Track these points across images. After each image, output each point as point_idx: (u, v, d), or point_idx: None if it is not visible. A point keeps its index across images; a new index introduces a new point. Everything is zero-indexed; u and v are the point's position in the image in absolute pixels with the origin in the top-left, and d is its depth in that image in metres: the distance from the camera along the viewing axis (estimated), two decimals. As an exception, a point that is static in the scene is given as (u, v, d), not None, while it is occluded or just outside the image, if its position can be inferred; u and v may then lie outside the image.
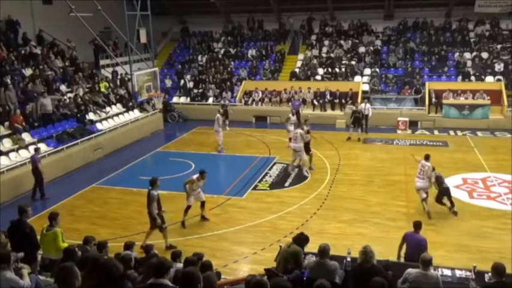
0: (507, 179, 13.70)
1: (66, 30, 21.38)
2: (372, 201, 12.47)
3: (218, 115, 17.50)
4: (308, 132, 14.74)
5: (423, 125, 21.03)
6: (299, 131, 14.49)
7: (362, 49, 25.72)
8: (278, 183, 14.10)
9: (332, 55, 25.59)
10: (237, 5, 28.33)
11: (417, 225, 7.83)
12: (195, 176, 11.16)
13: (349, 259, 6.65)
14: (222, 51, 27.91)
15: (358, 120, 19.11)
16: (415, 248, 7.36)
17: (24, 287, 4.93)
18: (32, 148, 14.92)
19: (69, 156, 16.03)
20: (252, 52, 27.28)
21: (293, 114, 17.74)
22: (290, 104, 22.45)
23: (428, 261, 5.82)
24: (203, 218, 11.62)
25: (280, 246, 7.26)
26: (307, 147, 14.71)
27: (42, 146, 15.16)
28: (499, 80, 22.26)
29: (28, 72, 18.34)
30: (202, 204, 11.52)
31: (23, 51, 19.23)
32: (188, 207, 11.18)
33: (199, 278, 3.93)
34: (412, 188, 13.17)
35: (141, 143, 19.78)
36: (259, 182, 14.26)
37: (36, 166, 13.19)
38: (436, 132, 20.28)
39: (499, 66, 22.79)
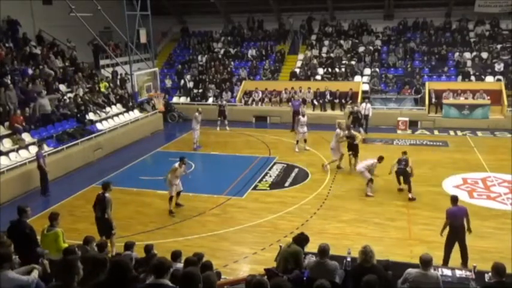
0: (507, 179, 13.70)
1: (66, 30, 21.39)
2: (372, 201, 12.47)
3: (196, 113, 18.26)
4: (348, 137, 14.80)
5: (423, 125, 21.02)
6: (340, 131, 14.98)
7: (362, 49, 25.72)
8: (278, 183, 14.10)
9: (332, 55, 25.59)
10: (237, 5, 28.35)
11: (456, 199, 8.68)
12: (176, 164, 11.86)
13: (349, 259, 6.65)
14: (222, 51, 27.90)
15: (358, 120, 19.17)
16: (461, 218, 8.48)
17: (29, 281, 4.92)
18: (32, 147, 15.03)
19: (69, 156, 16.02)
20: (252, 52, 27.27)
21: (303, 115, 17.52)
22: (290, 104, 22.48)
23: (429, 261, 5.81)
24: (177, 205, 12.29)
25: (280, 246, 7.26)
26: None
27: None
28: (499, 80, 22.26)
29: (28, 71, 18.33)
30: (178, 193, 12.25)
31: (22, 52, 19.23)
32: (171, 197, 12.00)
33: (200, 278, 3.93)
34: (412, 188, 13.20)
35: (141, 143, 19.77)
36: (259, 182, 14.26)
37: (38, 162, 13.46)
38: (436, 132, 20.28)
39: (499, 66, 22.79)
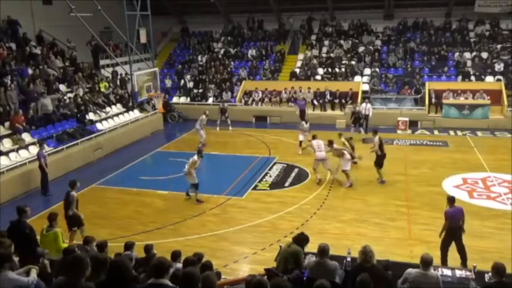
0: (507, 179, 13.69)
1: (66, 30, 21.39)
2: (372, 201, 12.46)
3: (203, 116, 18.21)
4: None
5: (423, 125, 21.03)
6: (321, 141, 13.91)
7: (362, 49, 25.71)
8: (278, 183, 14.10)
9: (332, 55, 25.59)
10: (237, 5, 28.35)
11: (453, 200, 8.67)
12: (195, 157, 12.60)
13: (349, 259, 6.64)
14: (222, 51, 27.90)
15: (358, 120, 19.24)
16: (459, 218, 8.49)
17: (29, 282, 4.91)
18: (32, 147, 15.04)
19: (69, 156, 16.02)
20: (252, 52, 27.27)
21: (306, 122, 17.58)
22: (292, 104, 22.53)
23: (429, 261, 5.81)
24: (198, 202, 12.59)
25: (280, 246, 7.25)
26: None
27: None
28: (499, 80, 22.26)
29: (28, 72, 18.33)
30: (197, 186, 12.57)
31: (22, 52, 19.24)
32: (197, 184, 12.56)
33: (199, 278, 3.93)
34: (412, 188, 13.21)
35: (141, 143, 19.77)
36: (259, 182, 14.26)
37: (39, 162, 13.49)
38: (436, 132, 20.28)
39: (499, 66, 22.79)
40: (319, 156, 13.79)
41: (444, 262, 8.30)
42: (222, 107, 21.56)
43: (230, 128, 21.11)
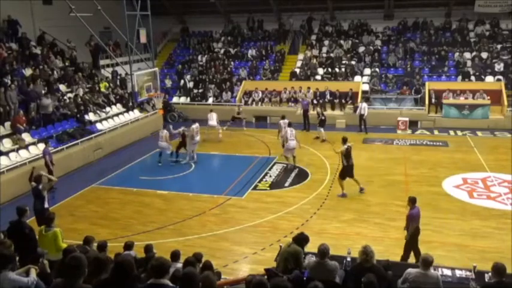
0: (507, 179, 13.68)
1: (66, 30, 21.38)
2: (372, 201, 12.46)
3: (193, 126, 17.45)
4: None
5: (423, 125, 21.02)
6: (294, 130, 15.22)
7: (362, 49, 25.70)
8: (278, 183, 14.09)
9: (332, 55, 25.59)
10: (237, 5, 28.32)
11: (415, 200, 8.68)
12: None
13: (349, 259, 6.65)
14: (222, 51, 27.91)
15: (322, 122, 19.15)
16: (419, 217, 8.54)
17: (29, 283, 4.91)
18: (32, 147, 15.05)
19: (69, 156, 16.02)
20: (252, 52, 27.27)
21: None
22: (292, 104, 22.47)
23: (429, 261, 5.81)
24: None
25: (280, 246, 7.26)
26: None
27: (43, 146, 15.14)
28: (499, 79, 22.25)
29: (28, 72, 18.34)
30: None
31: (23, 52, 19.24)
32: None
33: (199, 278, 3.94)
34: (412, 188, 13.21)
35: (141, 143, 19.76)
36: (259, 182, 14.25)
37: (45, 159, 13.51)
38: (436, 132, 20.27)
39: (499, 66, 22.78)
40: (291, 144, 14.81)
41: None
42: (238, 111, 21.76)
43: (244, 128, 21.37)
